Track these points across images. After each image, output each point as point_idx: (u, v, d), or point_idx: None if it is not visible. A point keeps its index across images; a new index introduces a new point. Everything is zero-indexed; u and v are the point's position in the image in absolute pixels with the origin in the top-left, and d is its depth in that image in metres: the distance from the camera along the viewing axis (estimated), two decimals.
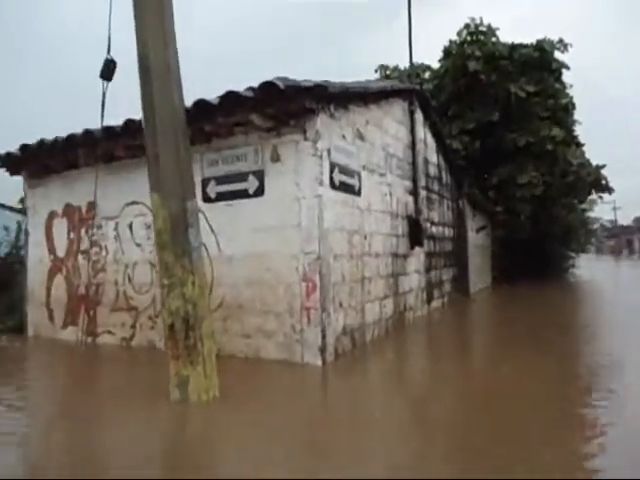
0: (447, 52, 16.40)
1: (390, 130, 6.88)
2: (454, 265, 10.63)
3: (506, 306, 10.74)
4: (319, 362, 4.69)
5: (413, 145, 7.80)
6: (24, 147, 6.54)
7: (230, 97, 4.60)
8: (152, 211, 5.13)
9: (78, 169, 6.64)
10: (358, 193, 5.66)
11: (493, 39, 15.98)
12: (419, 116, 8.30)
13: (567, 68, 15.74)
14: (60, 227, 6.93)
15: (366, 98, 5.87)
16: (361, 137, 5.84)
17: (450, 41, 16.41)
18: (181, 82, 3.85)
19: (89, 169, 6.48)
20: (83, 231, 6.66)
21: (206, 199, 5.44)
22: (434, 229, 9.04)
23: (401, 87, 6.89)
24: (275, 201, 5.00)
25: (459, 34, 16.14)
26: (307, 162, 4.81)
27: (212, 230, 5.40)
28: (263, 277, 5.04)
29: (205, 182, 5.44)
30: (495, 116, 14.88)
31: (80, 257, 6.67)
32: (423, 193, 8.36)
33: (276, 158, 4.99)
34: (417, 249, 7.75)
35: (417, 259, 7.87)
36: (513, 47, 15.49)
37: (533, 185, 14.30)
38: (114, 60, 4.69)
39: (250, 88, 4.61)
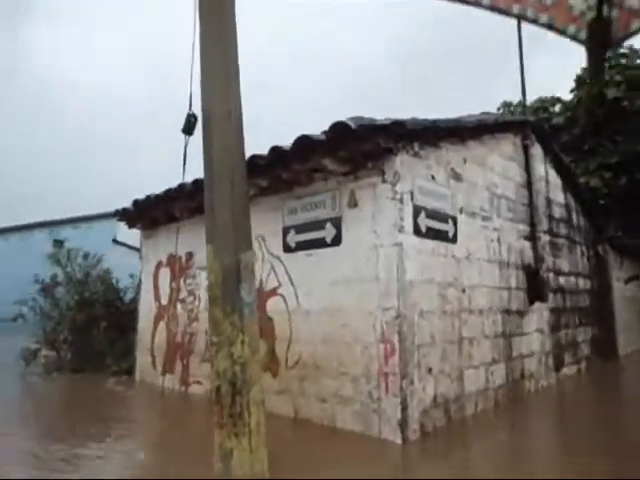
0: (580, 81, 14.76)
1: (496, 168, 6.06)
2: (594, 323, 8.91)
3: None
4: (398, 439, 3.97)
5: (529, 184, 6.80)
6: (135, 202, 7.09)
7: (302, 142, 4.37)
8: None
9: (179, 221, 6.96)
10: (453, 240, 4.94)
11: (638, 61, 14.02)
12: (537, 151, 7.29)
13: None
14: (164, 276, 7.27)
15: (461, 134, 5.22)
16: (457, 177, 5.17)
17: (583, 69, 14.77)
18: (242, 129, 3.70)
19: (189, 221, 6.76)
20: (182, 280, 6.88)
21: (286, 249, 5.21)
22: (562, 280, 7.68)
23: (508, 120, 6.08)
24: (352, 251, 4.55)
25: None
26: (385, 206, 4.31)
27: (291, 282, 5.10)
28: (340, 334, 4.54)
29: (285, 231, 5.22)
30: None
31: (179, 305, 6.86)
32: (545, 238, 7.19)
33: (353, 203, 4.58)
34: (538, 305, 6.57)
35: (539, 316, 6.66)
36: None
37: None
38: (195, 115, 4.81)
39: (324, 131, 4.34)
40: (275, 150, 4.62)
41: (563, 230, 8.03)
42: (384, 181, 4.34)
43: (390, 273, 4.20)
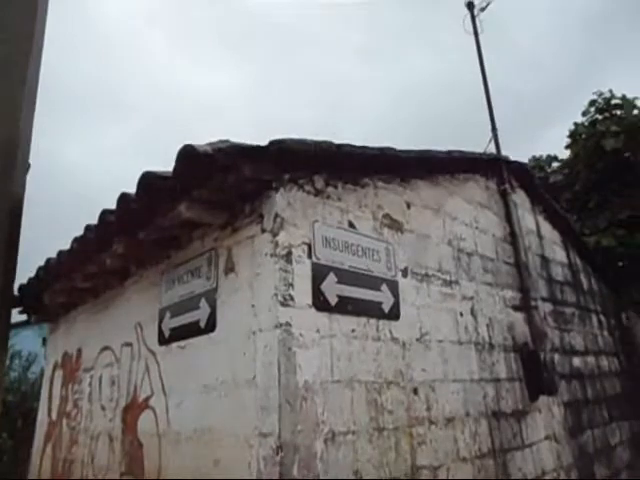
0: (574, 136, 13.67)
1: (461, 217, 4.60)
2: (631, 416, 6.87)
3: None
4: None
5: (513, 237, 5.29)
6: (20, 287, 5.69)
7: (145, 182, 3.00)
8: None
9: (76, 308, 5.51)
10: (392, 315, 3.36)
11: (635, 111, 12.97)
12: (521, 198, 5.86)
13: None
14: (57, 381, 5.67)
15: (396, 169, 3.84)
16: (395, 226, 3.71)
17: (575, 124, 13.76)
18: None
19: (84, 307, 5.32)
20: (70, 387, 5.27)
21: (161, 340, 3.66)
22: (578, 361, 5.86)
23: (469, 156, 4.71)
24: (227, 338, 2.99)
25: (585, 114, 13.48)
26: (264, 268, 2.82)
27: (163, 389, 3.50)
28: (211, 474, 2.84)
29: (162, 314, 3.71)
30: None
31: (64, 422, 5.19)
32: (546, 307, 5.52)
33: (230, 268, 3.10)
34: (544, 399, 4.76)
35: (548, 416, 4.81)
36: None
37: None
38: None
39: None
40: (123, 199, 3.26)
41: (570, 296, 6.34)
42: (263, 230, 2.90)
43: (269, 373, 2.60)
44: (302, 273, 2.84)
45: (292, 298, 2.73)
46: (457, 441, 3.55)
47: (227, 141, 2.77)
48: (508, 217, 5.36)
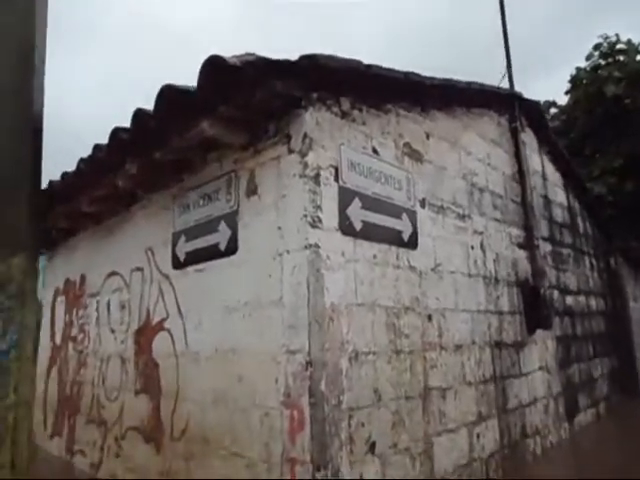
0: (575, 81, 13.45)
1: (476, 152, 4.55)
2: (611, 353, 7.25)
3: None
4: None
5: (521, 176, 5.28)
6: None
7: (167, 97, 2.85)
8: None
9: (77, 235, 5.41)
10: (411, 244, 3.38)
11: (638, 57, 12.73)
12: (529, 138, 5.80)
13: None
14: (60, 307, 5.67)
15: (419, 96, 3.73)
16: (415, 156, 3.65)
17: (578, 69, 13.50)
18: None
19: (85, 233, 5.23)
20: (75, 312, 5.28)
21: (175, 264, 3.64)
22: (570, 300, 6.08)
23: (487, 88, 4.60)
24: (250, 261, 2.98)
25: (588, 58, 13.20)
26: (291, 189, 2.77)
27: (179, 311, 3.52)
28: (234, 392, 2.92)
29: (175, 238, 3.66)
30: None
31: (70, 346, 5.24)
32: (546, 247, 5.63)
33: (253, 190, 3.04)
34: (541, 333, 4.96)
35: (542, 349, 5.03)
36: None
37: None
38: None
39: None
40: (138, 116, 3.10)
41: (567, 238, 6.47)
42: (290, 151, 2.81)
43: (298, 294, 2.62)
44: (330, 196, 2.79)
45: (320, 220, 2.70)
46: (464, 366, 3.70)
47: (254, 54, 2.62)
48: (517, 156, 5.32)
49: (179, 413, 3.35)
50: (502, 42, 5.94)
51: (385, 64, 3.13)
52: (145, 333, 3.87)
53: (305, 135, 2.73)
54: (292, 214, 2.72)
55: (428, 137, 3.85)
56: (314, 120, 2.79)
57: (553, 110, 14.40)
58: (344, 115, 3.04)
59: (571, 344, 5.80)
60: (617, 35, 12.93)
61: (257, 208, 2.97)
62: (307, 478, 2.39)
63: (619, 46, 12.88)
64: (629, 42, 12.75)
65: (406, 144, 3.57)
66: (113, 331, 4.37)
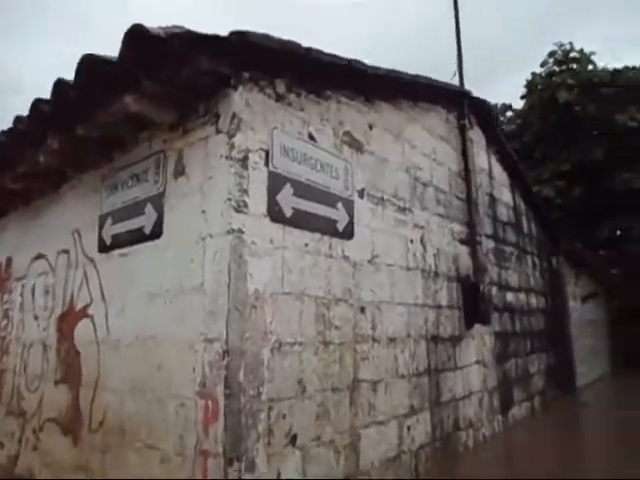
0: (531, 86, 13.84)
1: (420, 146, 4.55)
2: (549, 350, 7.50)
3: (629, 408, 7.23)
4: None
5: (467, 174, 5.34)
6: None
7: (87, 67, 2.66)
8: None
9: (5, 216, 5.09)
10: (346, 234, 3.33)
11: (590, 66, 13.22)
12: (477, 136, 5.88)
13: None
14: None
15: (363, 85, 3.67)
16: (356, 145, 3.59)
17: (533, 74, 13.90)
18: None
19: (15, 213, 4.92)
20: (0, 297, 4.97)
21: (101, 247, 3.45)
22: (511, 297, 6.22)
23: (435, 83, 4.60)
24: (175, 245, 2.85)
25: (543, 64, 13.61)
26: (217, 171, 2.65)
27: (103, 297, 3.34)
28: (153, 381, 2.79)
29: (102, 221, 3.47)
30: (598, 154, 11.77)
31: None
32: (489, 244, 5.73)
33: (180, 171, 2.90)
34: (479, 328, 5.04)
35: (480, 344, 5.12)
36: (616, 72, 12.56)
37: None
38: None
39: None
40: (59, 87, 2.90)
41: (511, 236, 6.61)
42: (218, 131, 2.69)
43: (219, 280, 2.51)
44: (258, 180, 2.69)
45: (246, 205, 2.60)
46: (397, 359, 3.69)
47: (182, 27, 2.48)
48: (464, 153, 5.37)
49: (98, 404, 3.18)
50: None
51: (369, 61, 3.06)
52: (68, 319, 3.66)
53: (234, 115, 2.62)
54: (216, 197, 2.60)
55: (371, 127, 3.81)
56: (244, 100, 2.68)
57: (509, 113, 14.80)
58: (279, 98, 2.95)
59: (509, 339, 5.94)
60: (571, 43, 13.40)
61: (183, 190, 2.84)
62: (219, 473, 2.30)
63: (572, 54, 13.33)
64: (581, 51, 13.22)
65: (346, 133, 3.51)
66: (36, 317, 4.12)
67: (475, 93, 5.66)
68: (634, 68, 12.53)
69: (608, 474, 4.10)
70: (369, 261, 3.54)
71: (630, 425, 6.37)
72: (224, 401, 2.35)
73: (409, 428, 3.70)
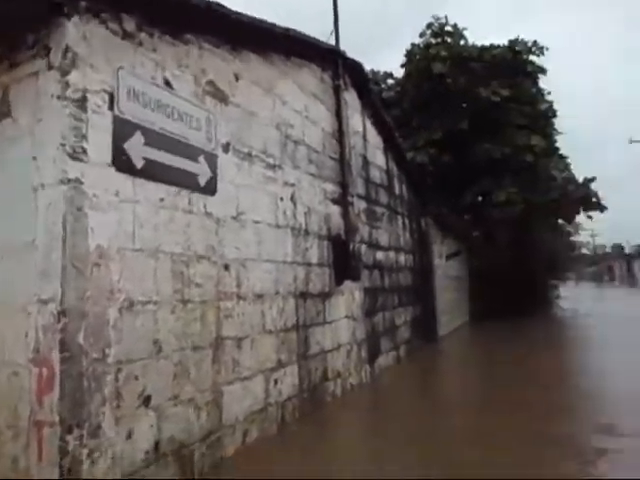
0: (410, 56, 14.44)
1: (293, 103, 4.50)
2: (415, 303, 8.17)
3: (483, 353, 8.27)
4: None
5: (340, 135, 5.44)
6: None
7: None
8: None
9: None
10: (208, 189, 3.19)
11: (461, 41, 14.11)
12: (352, 98, 5.98)
13: (544, 72, 13.87)
14: None
15: (229, 34, 3.48)
16: (220, 96, 3.42)
17: (412, 44, 14.49)
18: None
19: None
20: None
21: None
22: (381, 255, 6.60)
23: (307, 39, 4.54)
24: (1, 196, 2.50)
25: (422, 35, 14.24)
26: (49, 113, 2.34)
27: None
28: None
29: None
30: (465, 124, 12.78)
31: None
32: (361, 204, 5.96)
33: (6, 112, 2.52)
34: (349, 284, 5.28)
35: (349, 299, 5.38)
36: (483, 48, 13.59)
37: (512, 203, 12.08)
38: None
39: None
40: None
41: (383, 198, 6.96)
42: (50, 67, 2.36)
43: (52, 235, 2.26)
44: (100, 125, 2.43)
45: (85, 152, 2.34)
46: (264, 316, 3.72)
47: None
48: (338, 113, 5.44)
49: None
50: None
51: None
52: None
53: (67, 48, 2.31)
54: (49, 142, 2.31)
55: (237, 78, 3.65)
56: (80, 33, 2.37)
57: (390, 81, 15.33)
58: (127, 36, 2.66)
59: (378, 295, 6.34)
60: (446, 17, 14.13)
61: (10, 134, 2.47)
62: (55, 443, 2.13)
63: (448, 28, 14.09)
64: (455, 26, 14.03)
65: (210, 82, 3.32)
66: None
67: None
68: (499, 46, 13.67)
69: (448, 399, 4.66)
70: (234, 218, 3.46)
71: (475, 363, 7.27)
72: (60, 366, 2.16)
73: (276, 381, 3.79)
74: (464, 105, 13.35)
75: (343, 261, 5.13)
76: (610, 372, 5.95)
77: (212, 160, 3.24)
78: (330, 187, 5.11)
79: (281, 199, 4.11)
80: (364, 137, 6.38)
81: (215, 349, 3.14)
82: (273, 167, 4.03)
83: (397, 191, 7.75)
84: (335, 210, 5.17)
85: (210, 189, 3.20)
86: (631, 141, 30.16)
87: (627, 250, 52.53)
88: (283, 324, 3.97)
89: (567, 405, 4.45)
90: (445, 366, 7.63)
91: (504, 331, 10.60)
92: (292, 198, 4.29)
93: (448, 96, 13.15)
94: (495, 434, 3.59)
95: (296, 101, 4.56)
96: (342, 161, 5.39)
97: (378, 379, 5.80)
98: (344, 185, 5.37)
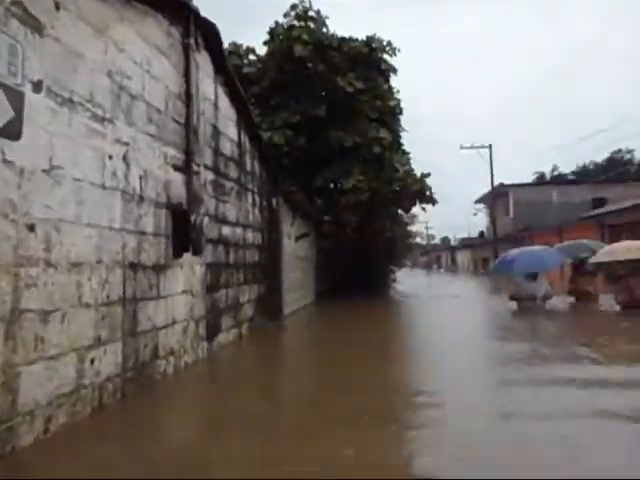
0: (272, 34, 14.28)
1: (132, 52, 4.02)
2: (262, 281, 8.17)
3: (323, 329, 8.69)
4: None
5: (188, 97, 5.06)
6: None
7: None
8: None
9: None
10: (9, 133, 2.65)
11: (323, 29, 14.39)
12: (204, 62, 5.62)
13: (395, 71, 14.90)
14: None
15: None
16: (35, 25, 2.86)
17: (276, 23, 14.35)
18: None
19: None
20: None
21: None
22: (227, 230, 6.41)
23: None
24: None
25: (286, 15, 14.17)
26: None
27: None
28: None
29: None
30: (321, 110, 13.14)
31: None
32: (208, 175, 5.67)
33: None
34: (189, 258, 4.99)
35: (189, 273, 5.10)
36: (342, 39, 14.06)
37: (359, 190, 12.82)
38: None
39: None
40: None
41: (233, 172, 6.74)
42: None
43: None
44: None
45: None
46: (81, 287, 3.28)
47: None
48: (187, 74, 5.06)
49: None
50: None
51: None
52: None
53: None
54: None
55: (58, 8, 3.09)
56: None
57: (252, 57, 14.98)
58: None
59: (222, 271, 6.15)
60: (310, 1, 14.24)
61: None
62: None
63: (311, 13, 14.24)
64: (318, 12, 14.24)
65: (18, 3, 2.74)
66: None
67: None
68: (357, 40, 14.26)
69: (283, 374, 4.73)
70: (46, 171, 2.95)
71: (314, 338, 7.58)
72: None
73: (93, 361, 3.38)
74: (323, 92, 13.67)
75: (183, 233, 4.82)
76: (429, 331, 6.71)
77: (16, 98, 2.69)
78: (172, 152, 4.74)
79: (110, 157, 3.65)
80: (215, 105, 6.06)
81: (10, 324, 2.65)
82: (102, 120, 3.54)
83: (249, 167, 7.59)
84: (177, 178, 4.82)
85: (11, 132, 2.66)
86: (462, 147, 34.33)
87: (452, 243, 60.31)
88: (106, 297, 3.56)
89: (386, 360, 4.84)
90: (285, 342, 7.80)
91: (346, 309, 11.29)
92: (125, 158, 3.85)
93: (308, 81, 13.35)
94: (320, 397, 3.71)
95: (137, 52, 4.09)
96: (188, 126, 5.04)
97: (216, 357, 5.64)
98: (189, 152, 5.03)
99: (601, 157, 43.01)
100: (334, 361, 5.53)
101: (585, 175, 39.63)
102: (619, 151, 41.61)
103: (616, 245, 9.93)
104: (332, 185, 14.13)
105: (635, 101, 77.41)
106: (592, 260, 9.99)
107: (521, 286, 10.28)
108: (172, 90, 4.78)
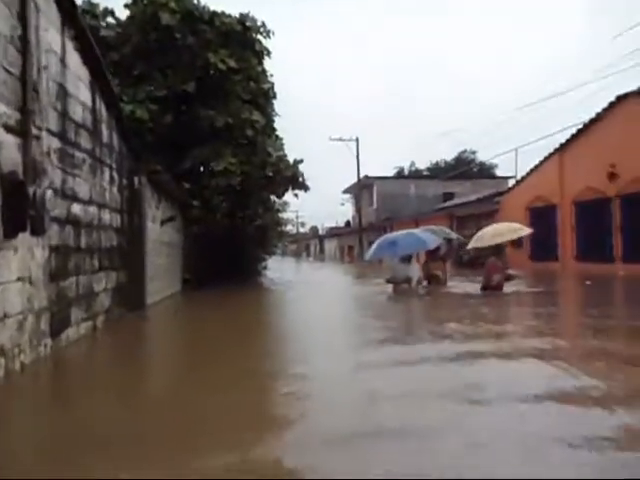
0: None
1: None
2: (121, 268, 7.33)
3: (188, 320, 8.13)
4: None
5: (26, 45, 4.18)
6: None
7: None
8: None
9: None
10: None
11: (195, 0, 13.43)
12: (47, 7, 4.72)
13: (269, 54, 14.57)
14: None
15: None
16: None
17: None
18: None
19: None
20: None
21: None
22: (78, 209, 5.55)
23: None
24: None
25: None
26: None
27: None
28: None
29: None
30: (191, 87, 12.28)
31: None
32: (51, 142, 4.79)
33: None
34: (26, 239, 4.16)
35: (26, 257, 4.25)
36: (215, 13, 13.28)
37: (231, 173, 12.32)
38: None
39: None
40: None
41: (86, 142, 5.86)
42: None
43: None
44: None
45: None
46: None
47: None
48: (23, 17, 4.17)
49: None
50: None
51: None
52: None
53: None
54: None
55: None
56: None
57: (110, 20, 13.42)
58: None
59: (71, 255, 5.31)
60: None
61: None
62: None
63: None
64: None
65: None
66: None
67: None
68: (230, 16, 13.59)
69: (138, 370, 4.22)
70: None
71: (177, 330, 7.06)
72: None
73: None
74: (193, 67, 12.79)
75: (18, 208, 3.99)
76: (296, 317, 6.64)
77: None
78: (4, 109, 3.87)
79: None
80: (63, 61, 5.16)
81: None
82: None
83: (105, 139, 6.70)
84: (10, 140, 3.96)
85: None
86: (331, 138, 35.44)
87: (321, 232, 62.36)
88: None
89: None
90: (145, 335, 7.11)
91: (215, 297, 10.80)
92: None
93: (176, 53, 12.39)
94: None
95: None
96: (25, 79, 4.17)
97: (62, 355, 4.83)
98: (26, 111, 4.17)
99: (450, 156, 47.95)
100: (197, 354, 5.12)
101: (437, 171, 43.78)
102: (465, 151, 46.72)
103: (485, 230, 10.65)
104: (202, 168, 13.37)
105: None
106: (469, 246, 10.97)
107: (396, 269, 10.71)
108: (3, 33, 3.89)
